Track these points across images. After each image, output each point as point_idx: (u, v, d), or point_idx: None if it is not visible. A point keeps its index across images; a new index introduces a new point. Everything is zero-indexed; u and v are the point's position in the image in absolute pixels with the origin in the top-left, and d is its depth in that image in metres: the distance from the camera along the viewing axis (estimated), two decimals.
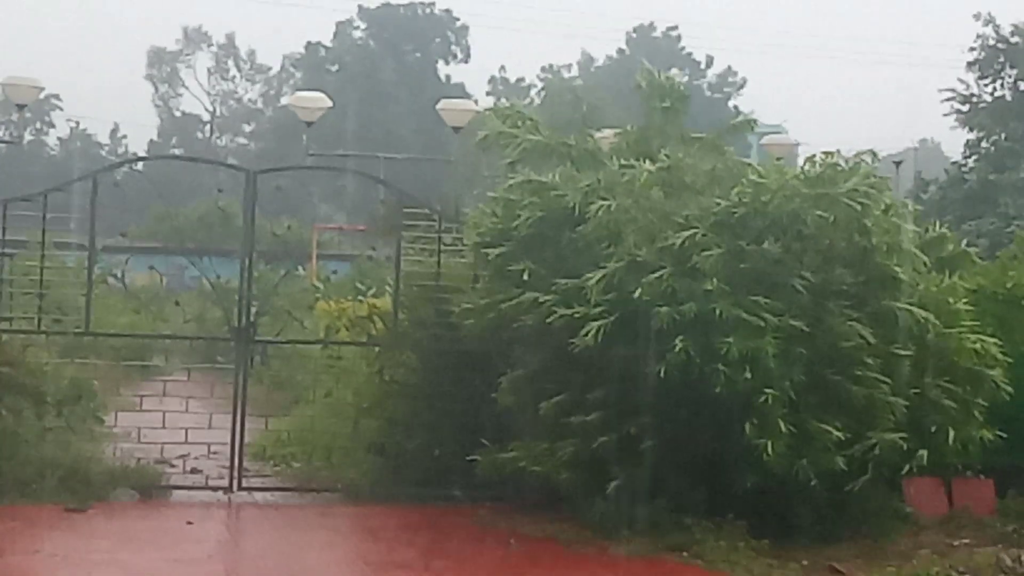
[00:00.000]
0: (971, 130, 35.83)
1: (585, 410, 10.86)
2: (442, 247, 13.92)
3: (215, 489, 13.20)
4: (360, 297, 19.81)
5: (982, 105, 35.52)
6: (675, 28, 78.98)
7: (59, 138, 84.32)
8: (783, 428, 10.17)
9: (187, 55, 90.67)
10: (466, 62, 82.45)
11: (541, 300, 11.08)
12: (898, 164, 22.86)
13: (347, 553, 11.13)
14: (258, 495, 13.40)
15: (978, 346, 11.41)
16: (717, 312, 10.33)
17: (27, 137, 68.15)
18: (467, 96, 37.21)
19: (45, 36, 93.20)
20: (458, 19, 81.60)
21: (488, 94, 69.12)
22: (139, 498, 12.77)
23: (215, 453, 13.62)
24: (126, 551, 10.68)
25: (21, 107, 23.89)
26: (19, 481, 12.28)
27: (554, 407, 11.12)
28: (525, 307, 11.29)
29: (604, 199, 11.20)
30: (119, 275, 18.18)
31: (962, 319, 11.59)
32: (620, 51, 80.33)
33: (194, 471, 13.54)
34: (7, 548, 10.50)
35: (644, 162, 11.64)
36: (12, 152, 56.71)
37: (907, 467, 10.99)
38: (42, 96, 27.62)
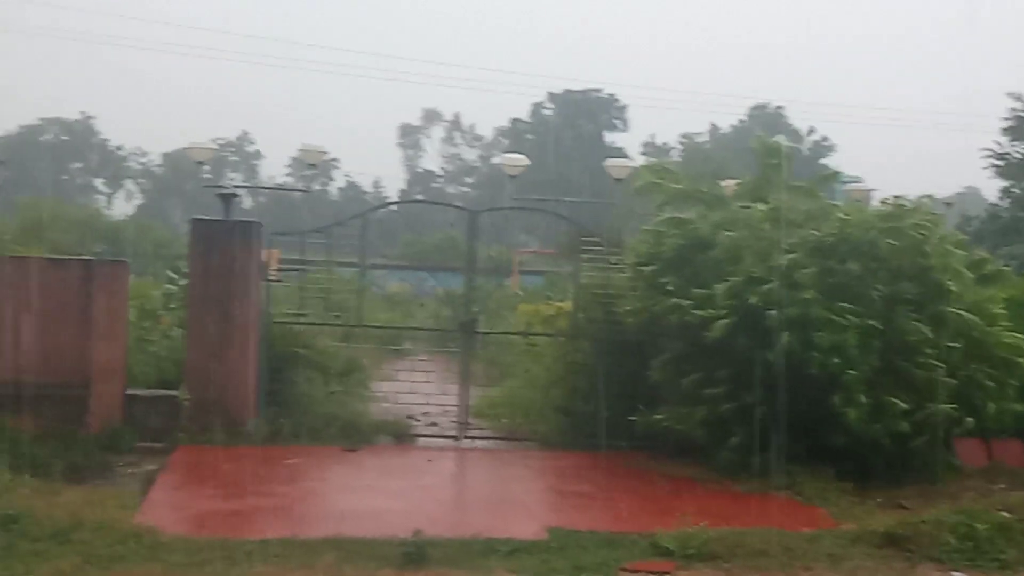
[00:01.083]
0: (1004, 179, 36.72)
1: (714, 385, 11.60)
2: (608, 265, 14.31)
3: (447, 437, 14.09)
4: (549, 301, 20.24)
5: (1013, 160, 36.45)
6: (782, 107, 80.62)
7: (338, 188, 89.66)
8: (862, 400, 10.93)
9: (426, 129, 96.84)
10: (624, 131, 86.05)
11: (682, 305, 11.81)
12: (949, 205, 23.00)
13: (541, 483, 11.92)
14: (477, 442, 14.13)
15: (1011, 340, 12.02)
16: (812, 314, 11.05)
17: (315, 187, 71.85)
18: (625, 157, 38.48)
19: (339, 115, 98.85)
20: (619, 100, 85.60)
21: (641, 155, 72.24)
22: (394, 443, 13.76)
23: (447, 412, 14.40)
24: (385, 478, 11.62)
25: (312, 166, 26.06)
26: (312, 429, 13.14)
27: (691, 382, 11.84)
28: (670, 310, 12.03)
29: (728, 231, 12.08)
30: (380, 285, 19.48)
31: (999, 320, 12.18)
32: (741, 122, 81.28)
33: (432, 424, 14.46)
34: (304, 476, 11.54)
35: (758, 204, 12.55)
36: (305, 199, 59.69)
37: (957, 430, 11.62)
38: (326, 158, 29.98)
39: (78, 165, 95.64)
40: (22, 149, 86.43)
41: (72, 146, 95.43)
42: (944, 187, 49.23)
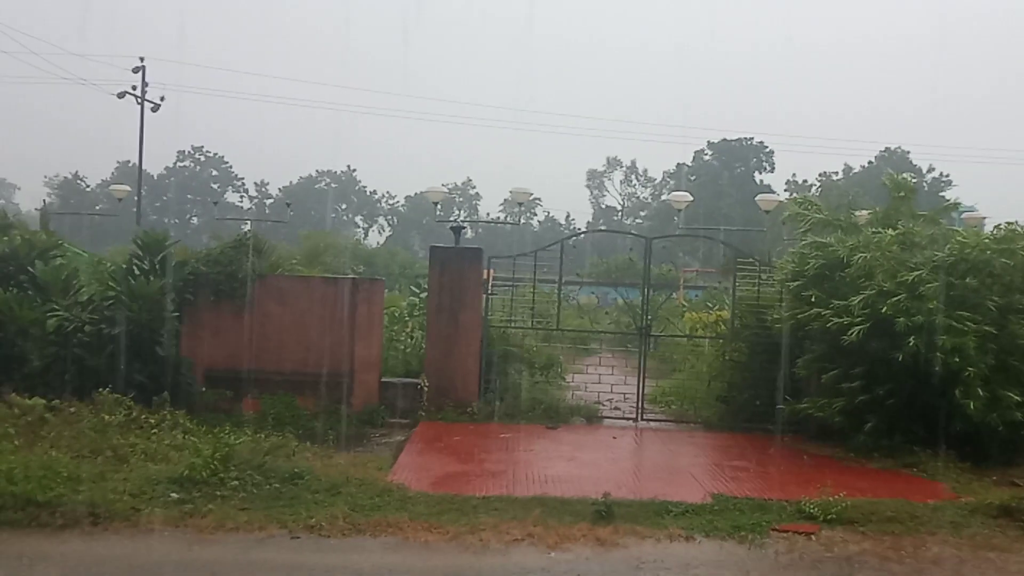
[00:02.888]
0: None
1: (850, 380, 11.34)
2: (759, 281, 14.13)
3: (627, 419, 13.97)
4: (710, 311, 20.31)
5: None
6: (908, 152, 77.65)
7: (539, 221, 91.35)
8: (980, 393, 10.48)
9: (608, 173, 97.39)
10: (771, 172, 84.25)
11: (823, 313, 11.53)
12: None
13: (704, 458, 11.60)
14: (652, 424, 13.94)
15: None
16: (935, 321, 10.63)
17: (522, 221, 73.71)
18: (772, 192, 37.86)
19: (541, 163, 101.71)
20: (766, 146, 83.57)
21: (784, 191, 70.79)
22: (585, 423, 13.68)
23: (627, 399, 14.24)
24: (579, 450, 11.60)
25: (520, 204, 26.53)
26: (520, 410, 13.34)
27: (830, 377, 11.65)
28: (812, 317, 11.72)
29: (862, 253, 11.68)
30: (573, 297, 19.55)
31: None
32: (870, 163, 78.46)
33: (616, 409, 14.21)
34: (515, 447, 11.67)
35: (887, 230, 12.09)
36: (514, 230, 60.92)
37: None
38: (530, 198, 30.75)
39: (343, 206, 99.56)
40: (302, 195, 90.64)
41: (339, 192, 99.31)
42: None
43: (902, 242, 11.98)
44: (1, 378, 11.24)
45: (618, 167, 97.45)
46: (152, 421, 10.30)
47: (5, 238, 13.13)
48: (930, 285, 11.04)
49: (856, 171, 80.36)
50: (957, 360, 10.60)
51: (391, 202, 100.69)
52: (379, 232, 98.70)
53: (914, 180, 14.63)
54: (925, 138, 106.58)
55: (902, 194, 13.30)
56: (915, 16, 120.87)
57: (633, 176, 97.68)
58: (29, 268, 12.57)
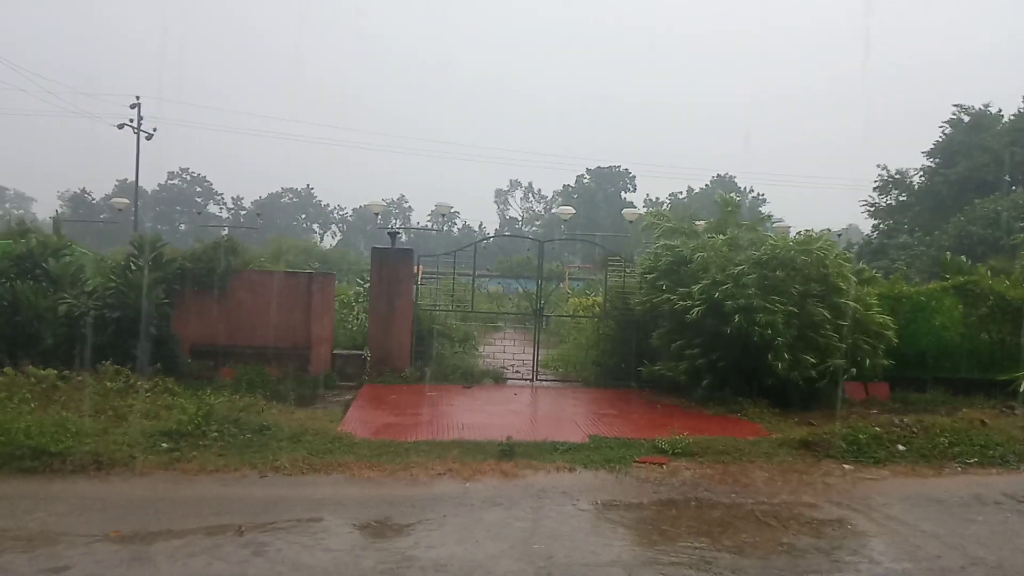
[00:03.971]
0: (874, 219, 37.47)
1: (691, 348, 11.48)
2: (625, 274, 14.13)
3: (525, 380, 13.87)
4: (587, 296, 20.22)
5: (880, 208, 37.16)
6: (735, 176, 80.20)
7: (458, 228, 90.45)
8: (786, 357, 10.81)
9: (512, 191, 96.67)
10: (634, 191, 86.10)
11: (671, 298, 11.74)
12: (839, 235, 22.91)
13: (583, 407, 11.55)
14: (544, 383, 13.81)
15: (880, 320, 11.82)
16: (754, 304, 10.89)
17: (444, 228, 72.97)
18: (635, 207, 38.77)
19: (458, 184, 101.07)
20: (631, 172, 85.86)
21: (643, 206, 72.06)
22: (493, 383, 13.57)
23: (525, 364, 14.17)
24: (488, 404, 11.56)
25: (442, 215, 26.41)
26: (443, 375, 13.25)
27: (677, 346, 11.70)
28: (664, 301, 11.93)
29: (700, 252, 11.99)
30: (483, 287, 19.51)
31: (873, 307, 11.92)
32: (706, 185, 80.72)
33: (516, 372, 14.05)
34: (439, 402, 11.52)
35: (719, 235, 12.47)
36: (438, 235, 60.07)
37: (845, 376, 11.41)
38: (451, 211, 30.56)
39: (303, 216, 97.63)
40: (270, 207, 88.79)
41: (299, 204, 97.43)
42: (837, 223, 48.82)
43: (729, 244, 12.23)
44: (20, 354, 10.74)
45: (518, 187, 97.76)
46: (146, 387, 9.94)
47: (23, 240, 12.59)
48: (750, 276, 11.32)
49: (696, 191, 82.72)
50: (769, 332, 10.88)
51: (341, 213, 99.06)
52: (332, 236, 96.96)
53: (738, 198, 15.09)
54: (747, 166, 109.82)
55: (729, 208, 13.59)
56: (745, 82, 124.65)
57: (530, 194, 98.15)
58: (44, 265, 12.08)
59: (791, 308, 11.13)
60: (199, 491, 6.77)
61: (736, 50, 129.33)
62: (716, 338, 11.33)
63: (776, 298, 11.14)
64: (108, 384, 9.65)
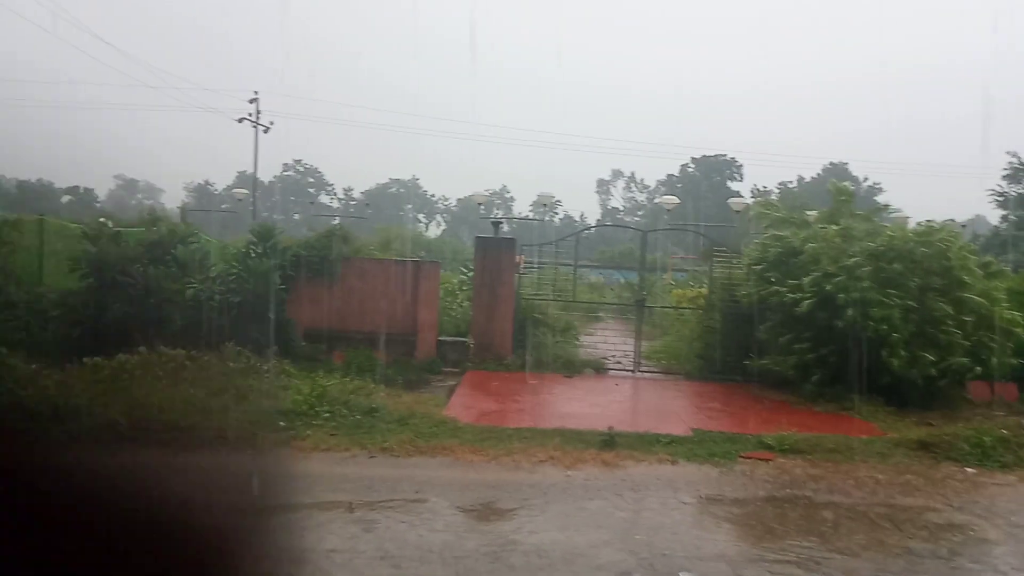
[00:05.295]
0: (1003, 210, 35.44)
1: (801, 342, 11.16)
2: (730, 266, 13.85)
3: (627, 371, 13.79)
4: (691, 288, 19.87)
5: (1009, 197, 35.10)
6: (847, 164, 76.20)
7: (559, 219, 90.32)
8: (902, 354, 10.39)
9: (613, 181, 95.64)
10: (740, 181, 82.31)
11: (780, 290, 11.42)
12: (964, 226, 21.46)
13: (686, 400, 11.49)
14: (646, 375, 13.72)
15: (1009, 316, 11.21)
16: (868, 297, 10.52)
17: (546, 219, 73.47)
18: (741, 197, 37.57)
19: (562, 174, 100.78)
20: (738, 161, 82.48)
21: (751, 196, 69.43)
22: (594, 373, 13.53)
23: (626, 355, 14.20)
24: (589, 394, 11.56)
25: (544, 205, 26.45)
26: (544, 363, 13.10)
27: (785, 340, 11.42)
28: (772, 293, 11.60)
29: (812, 243, 11.55)
30: (585, 277, 19.52)
31: (1000, 303, 11.28)
32: (818, 174, 76.82)
33: (618, 363, 14.09)
34: (540, 391, 11.67)
35: (831, 226, 11.93)
36: (540, 225, 59.48)
37: (969, 376, 10.98)
38: (553, 201, 30.59)
39: (409, 206, 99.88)
40: (378, 197, 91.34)
41: (406, 195, 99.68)
42: (962, 213, 45.85)
43: (843, 235, 11.73)
44: (152, 334, 11.43)
45: (620, 177, 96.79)
46: (264, 368, 10.42)
47: (155, 228, 13.40)
48: (865, 268, 10.85)
49: (807, 181, 79.37)
50: (885, 327, 10.47)
51: (445, 203, 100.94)
52: (436, 226, 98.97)
53: (853, 187, 14.38)
54: (862, 154, 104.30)
55: (843, 197, 12.99)
56: (859, 60, 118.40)
57: (632, 184, 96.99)
58: (173, 251, 12.78)
59: (909, 302, 10.65)
60: (313, 468, 7.07)
61: (851, 22, 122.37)
62: (827, 332, 10.93)
63: (893, 291, 10.68)
64: (231, 364, 10.16)
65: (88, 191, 79.22)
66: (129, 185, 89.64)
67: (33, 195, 65.68)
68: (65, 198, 74.54)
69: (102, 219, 13.04)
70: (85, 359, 9.29)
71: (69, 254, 12.41)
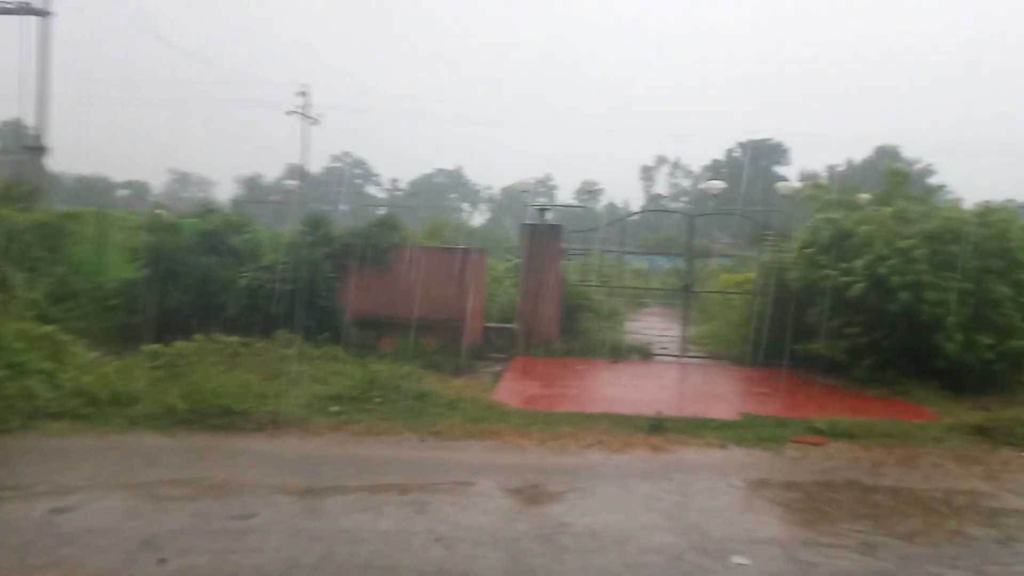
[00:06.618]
0: None
1: (852, 326, 10.86)
2: (778, 250, 13.56)
3: (673, 356, 13.70)
4: (739, 272, 19.59)
5: None
6: (898, 147, 73.44)
7: (603, 205, 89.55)
8: (958, 337, 10.11)
9: (657, 167, 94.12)
10: (787, 165, 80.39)
11: (831, 274, 11.12)
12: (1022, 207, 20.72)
13: (735, 385, 11.42)
14: (692, 360, 13.60)
15: None
16: (923, 280, 10.25)
17: (590, 205, 72.85)
18: (787, 181, 36.85)
19: (605, 160, 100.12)
20: (783, 144, 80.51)
21: (798, 180, 67.99)
22: (640, 359, 13.45)
23: (673, 340, 14.19)
24: (636, 378, 11.61)
25: (588, 192, 26.23)
26: (590, 349, 13.21)
27: (836, 324, 11.09)
28: (822, 277, 11.29)
29: (865, 226, 11.28)
30: (629, 263, 19.43)
31: None
32: (868, 158, 74.83)
33: (664, 348, 14.02)
34: (587, 375, 11.65)
35: (884, 208, 11.66)
36: (583, 212, 58.53)
37: None
38: (596, 188, 30.30)
39: (454, 195, 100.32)
40: (424, 187, 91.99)
41: (450, 184, 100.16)
42: (1021, 195, 44.30)
43: (897, 217, 11.42)
44: (208, 321, 11.72)
45: (664, 163, 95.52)
46: (316, 354, 10.61)
47: (209, 218, 13.71)
48: (920, 251, 10.56)
49: (856, 164, 77.31)
50: (940, 310, 10.19)
51: (489, 192, 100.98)
52: (481, 215, 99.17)
53: (907, 168, 13.97)
54: (913, 137, 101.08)
55: (897, 179, 12.66)
56: (905, 45, 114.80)
57: (677, 170, 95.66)
58: (227, 241, 13.08)
59: (966, 285, 10.34)
60: (365, 451, 7.18)
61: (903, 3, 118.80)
62: (879, 316, 10.65)
63: (949, 274, 10.37)
64: (283, 351, 10.39)
65: (143, 184, 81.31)
66: (182, 178, 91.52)
67: (91, 189, 67.68)
68: (121, 192, 76.64)
69: (159, 210, 13.39)
70: (143, 346, 9.58)
71: (128, 244, 12.77)
